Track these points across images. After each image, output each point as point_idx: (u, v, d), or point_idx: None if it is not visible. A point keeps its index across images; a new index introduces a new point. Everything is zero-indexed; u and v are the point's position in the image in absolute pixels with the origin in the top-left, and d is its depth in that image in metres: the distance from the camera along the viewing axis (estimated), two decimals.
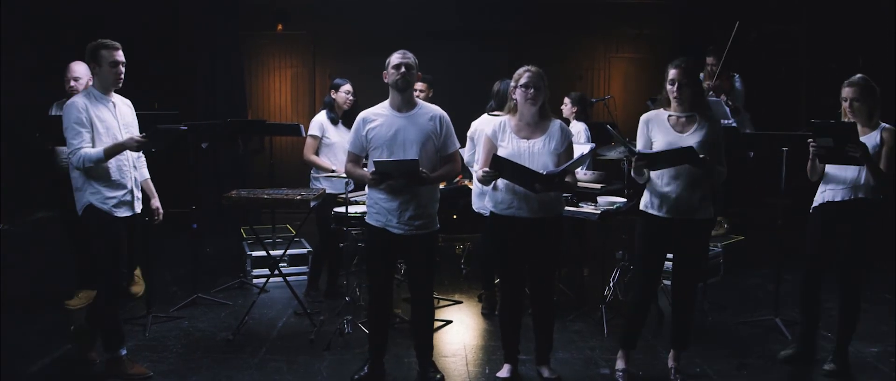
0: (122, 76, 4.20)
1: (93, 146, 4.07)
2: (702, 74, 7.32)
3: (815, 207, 4.40)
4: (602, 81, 9.60)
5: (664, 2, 9.36)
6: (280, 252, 6.10)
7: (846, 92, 4.24)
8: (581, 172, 5.75)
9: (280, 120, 9.12)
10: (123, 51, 4.19)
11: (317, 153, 5.76)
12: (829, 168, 4.32)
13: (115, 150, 4.10)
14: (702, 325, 5.37)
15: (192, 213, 5.81)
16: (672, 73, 4.00)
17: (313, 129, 5.80)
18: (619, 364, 4.30)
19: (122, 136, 4.19)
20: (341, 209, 5.14)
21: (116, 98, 4.30)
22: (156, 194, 4.71)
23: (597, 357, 4.68)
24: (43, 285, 5.38)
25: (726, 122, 6.29)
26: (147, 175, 4.64)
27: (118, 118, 4.24)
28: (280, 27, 9.13)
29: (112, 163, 4.14)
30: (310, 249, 6.51)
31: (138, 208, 4.37)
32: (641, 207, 4.17)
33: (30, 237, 6.47)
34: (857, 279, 4.35)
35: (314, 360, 4.60)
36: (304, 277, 6.27)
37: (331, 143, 5.76)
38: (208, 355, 4.67)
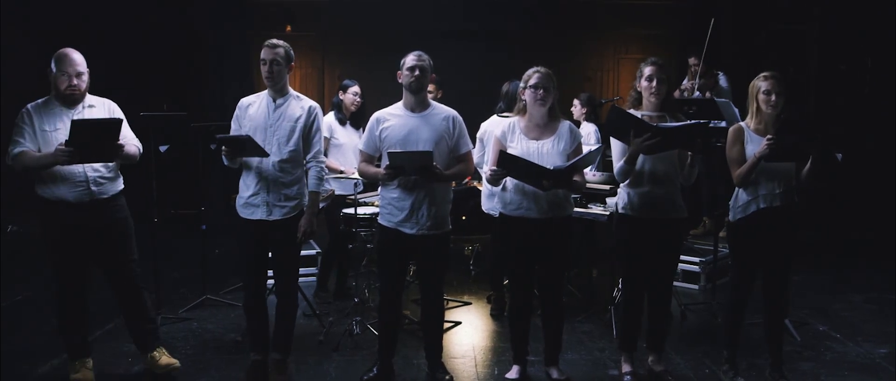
0: (269, 75, 3.99)
1: None
2: (686, 78, 7.27)
3: (746, 216, 4.03)
4: (610, 82, 9.58)
5: (673, 3, 9.33)
6: None
7: (769, 84, 3.93)
8: (590, 173, 5.74)
9: None
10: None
11: (325, 154, 5.76)
12: (765, 171, 3.94)
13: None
14: (711, 326, 5.36)
15: (202, 214, 5.82)
16: (649, 70, 4.07)
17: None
18: (625, 368, 4.30)
19: (269, 135, 4.02)
20: (350, 210, 5.16)
21: (293, 98, 4.10)
22: (311, 212, 4.15)
23: (606, 358, 4.68)
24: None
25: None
26: (313, 186, 4.16)
27: (271, 117, 4.03)
28: (289, 28, 9.15)
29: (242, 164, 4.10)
30: (319, 250, 6.52)
31: (274, 214, 4.05)
32: (620, 209, 4.17)
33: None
34: (786, 288, 4.15)
35: (323, 361, 4.61)
36: (313, 278, 6.28)
37: (339, 144, 5.76)
38: (217, 355, 4.69)
